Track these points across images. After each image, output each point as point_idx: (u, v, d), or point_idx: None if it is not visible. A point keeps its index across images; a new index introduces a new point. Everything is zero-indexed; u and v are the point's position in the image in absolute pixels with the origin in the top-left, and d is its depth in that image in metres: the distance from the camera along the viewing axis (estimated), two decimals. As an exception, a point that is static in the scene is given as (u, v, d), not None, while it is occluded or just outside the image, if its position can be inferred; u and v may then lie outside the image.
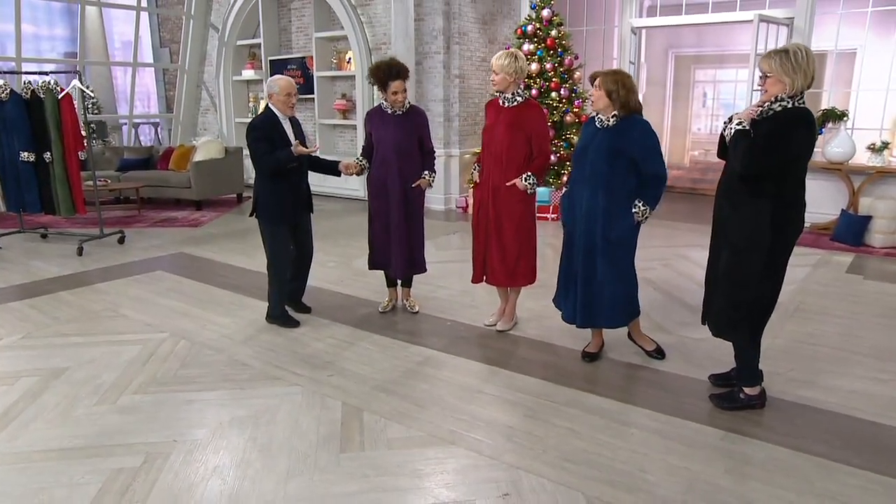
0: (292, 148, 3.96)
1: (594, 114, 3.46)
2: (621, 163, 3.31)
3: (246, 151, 4.23)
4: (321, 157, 4.53)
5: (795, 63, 2.73)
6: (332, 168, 4.38)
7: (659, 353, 3.72)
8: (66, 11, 12.55)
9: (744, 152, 2.79)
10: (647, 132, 3.33)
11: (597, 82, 3.33)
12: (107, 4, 11.10)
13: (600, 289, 3.47)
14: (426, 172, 4.27)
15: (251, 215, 4.20)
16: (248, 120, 10.59)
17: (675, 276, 5.47)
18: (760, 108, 2.84)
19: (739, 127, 2.84)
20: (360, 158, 4.35)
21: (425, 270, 4.50)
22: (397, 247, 4.27)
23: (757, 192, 2.83)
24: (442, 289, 5.06)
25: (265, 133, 3.99)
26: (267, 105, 4.07)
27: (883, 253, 6.24)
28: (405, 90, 4.12)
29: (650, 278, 5.28)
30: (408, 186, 4.21)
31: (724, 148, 3.06)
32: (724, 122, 3.03)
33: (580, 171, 3.44)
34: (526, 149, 3.86)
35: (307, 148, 4.05)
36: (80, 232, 7.00)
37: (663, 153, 11.73)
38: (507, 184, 3.85)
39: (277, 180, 4.05)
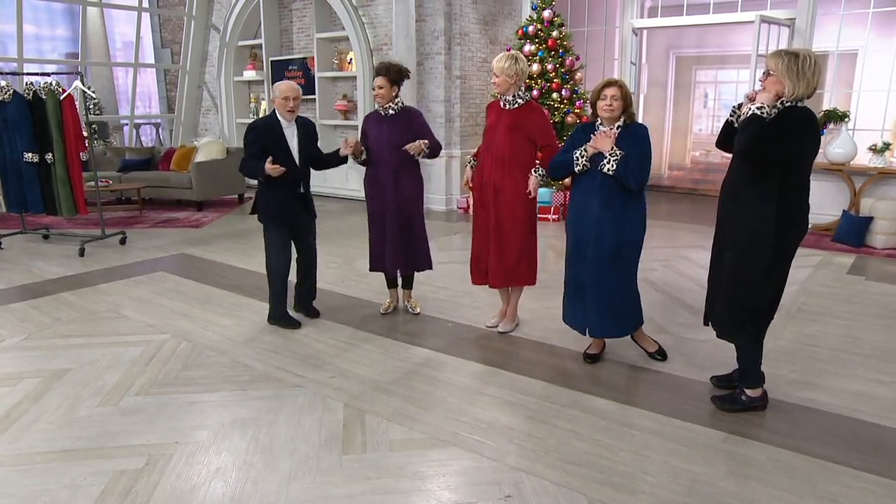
0: (266, 164, 3.88)
1: (595, 121, 3.47)
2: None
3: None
4: (322, 153, 4.44)
5: (801, 69, 2.71)
6: (336, 157, 4.31)
7: (661, 355, 3.72)
8: (68, 12, 12.56)
9: (752, 137, 2.75)
10: (641, 138, 3.36)
11: (615, 91, 3.31)
12: (108, 5, 11.12)
13: (612, 298, 3.48)
14: (422, 141, 4.12)
15: (251, 213, 4.26)
16: (250, 120, 10.70)
17: (676, 277, 5.47)
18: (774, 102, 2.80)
19: (760, 112, 2.78)
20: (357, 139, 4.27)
21: (431, 268, 4.49)
22: (392, 244, 4.27)
23: (761, 194, 2.83)
24: (443, 290, 5.06)
25: (260, 135, 4.01)
26: (274, 109, 4.10)
27: (884, 254, 6.24)
28: (382, 87, 4.09)
29: (651, 279, 5.28)
30: (401, 184, 4.18)
31: (723, 139, 3.05)
32: (733, 108, 2.98)
33: (588, 180, 3.41)
34: (527, 150, 3.86)
35: (279, 166, 3.91)
36: (81, 232, 7.01)
37: (664, 154, 11.74)
38: (528, 191, 3.84)
39: (273, 183, 4.01)
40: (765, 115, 2.77)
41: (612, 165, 3.28)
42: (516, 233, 3.95)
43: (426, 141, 4.13)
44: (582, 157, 3.38)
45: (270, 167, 3.88)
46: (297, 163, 4.14)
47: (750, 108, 2.81)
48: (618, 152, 3.29)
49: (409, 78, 4.25)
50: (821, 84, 2.82)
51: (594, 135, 3.40)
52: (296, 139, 4.12)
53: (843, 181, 7.02)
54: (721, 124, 3.10)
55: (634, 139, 3.34)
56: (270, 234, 4.18)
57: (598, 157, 3.35)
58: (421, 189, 4.34)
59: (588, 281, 3.50)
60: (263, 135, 4.01)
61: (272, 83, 10.16)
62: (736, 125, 2.95)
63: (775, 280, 2.94)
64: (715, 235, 3.14)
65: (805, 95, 2.75)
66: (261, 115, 8.66)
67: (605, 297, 3.48)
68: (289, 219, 4.18)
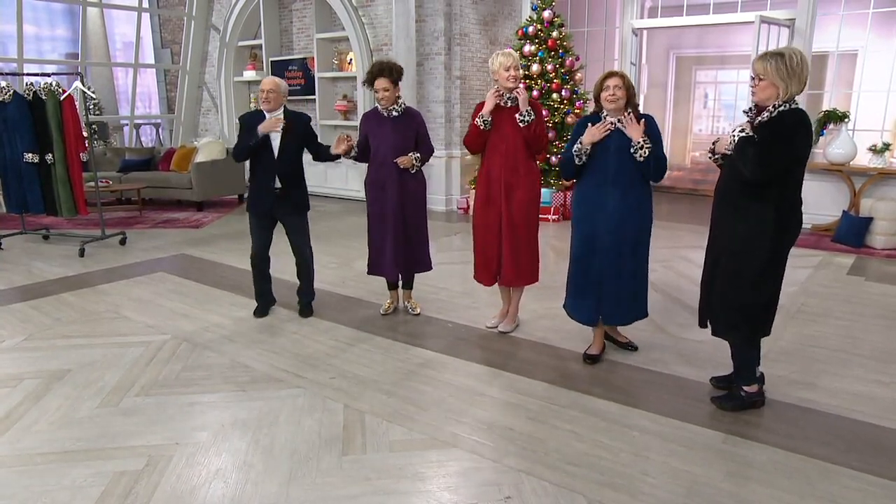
0: (259, 127, 4.07)
1: (599, 113, 3.48)
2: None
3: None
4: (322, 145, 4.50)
5: (790, 68, 2.71)
6: (327, 152, 4.35)
7: (631, 346, 3.82)
8: (68, 12, 12.56)
9: (753, 159, 2.75)
10: (653, 124, 3.45)
11: (618, 81, 3.36)
12: (108, 5, 11.12)
13: (629, 285, 3.53)
14: (414, 154, 4.18)
15: None
16: (250, 121, 10.69)
17: (675, 277, 5.47)
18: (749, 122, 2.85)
19: (742, 134, 2.83)
20: (348, 135, 4.26)
21: (430, 268, 4.50)
22: (394, 247, 4.25)
23: (759, 196, 2.83)
24: (443, 290, 5.06)
25: (247, 125, 4.19)
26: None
27: (884, 254, 6.24)
28: (388, 89, 4.06)
29: (651, 280, 5.24)
30: (406, 185, 4.18)
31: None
32: (712, 148, 3.05)
33: (601, 172, 3.42)
34: None
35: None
36: (81, 233, 7.01)
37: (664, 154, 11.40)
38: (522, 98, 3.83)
39: (253, 172, 4.29)
40: (749, 134, 2.80)
41: (646, 152, 3.30)
42: (529, 232, 3.97)
43: (417, 154, 4.19)
44: (584, 151, 3.42)
45: (267, 124, 4.05)
46: (275, 155, 4.18)
47: (734, 137, 2.86)
48: (647, 142, 3.32)
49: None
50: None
51: (595, 125, 3.43)
52: (279, 133, 4.15)
53: (843, 181, 7.02)
54: (720, 126, 3.12)
55: (648, 130, 3.37)
56: (249, 221, 4.41)
57: (600, 144, 3.37)
58: (425, 190, 4.35)
59: (605, 273, 3.50)
60: (250, 125, 4.16)
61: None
62: (721, 162, 3.01)
63: (770, 280, 2.94)
64: (709, 237, 3.14)
65: (798, 92, 2.78)
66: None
67: (622, 286, 3.52)
68: (264, 208, 4.30)
